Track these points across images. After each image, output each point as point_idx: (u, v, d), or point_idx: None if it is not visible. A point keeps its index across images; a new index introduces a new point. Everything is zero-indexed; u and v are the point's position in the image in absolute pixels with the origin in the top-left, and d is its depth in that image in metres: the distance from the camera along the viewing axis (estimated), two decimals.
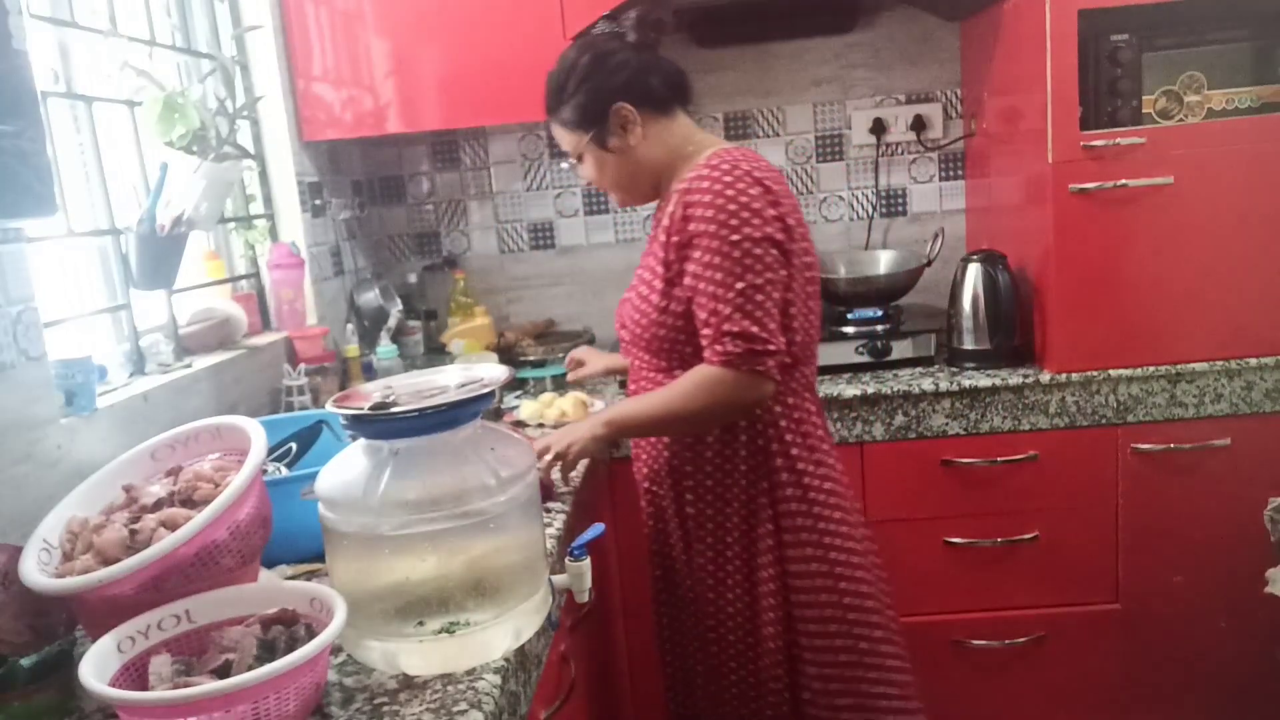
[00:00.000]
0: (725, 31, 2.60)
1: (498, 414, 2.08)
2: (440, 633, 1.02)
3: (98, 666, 0.89)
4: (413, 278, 2.77)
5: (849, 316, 2.36)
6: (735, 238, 1.42)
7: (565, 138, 1.59)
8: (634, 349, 1.62)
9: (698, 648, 1.66)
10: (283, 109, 2.27)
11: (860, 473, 2.19)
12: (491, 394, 1.08)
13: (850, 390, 2.15)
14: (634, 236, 2.82)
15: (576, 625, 1.59)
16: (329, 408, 1.09)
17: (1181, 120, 2.11)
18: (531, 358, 2.49)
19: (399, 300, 2.56)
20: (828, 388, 2.16)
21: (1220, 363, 2.09)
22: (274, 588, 1.08)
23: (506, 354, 2.52)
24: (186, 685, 0.87)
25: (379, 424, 1.05)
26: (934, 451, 2.17)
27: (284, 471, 1.49)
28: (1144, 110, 2.11)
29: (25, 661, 0.97)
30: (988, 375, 2.15)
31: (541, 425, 1.98)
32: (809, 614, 1.55)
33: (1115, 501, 2.16)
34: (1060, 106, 2.03)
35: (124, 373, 1.71)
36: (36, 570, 1.01)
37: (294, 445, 1.56)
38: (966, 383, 2.13)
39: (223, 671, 0.91)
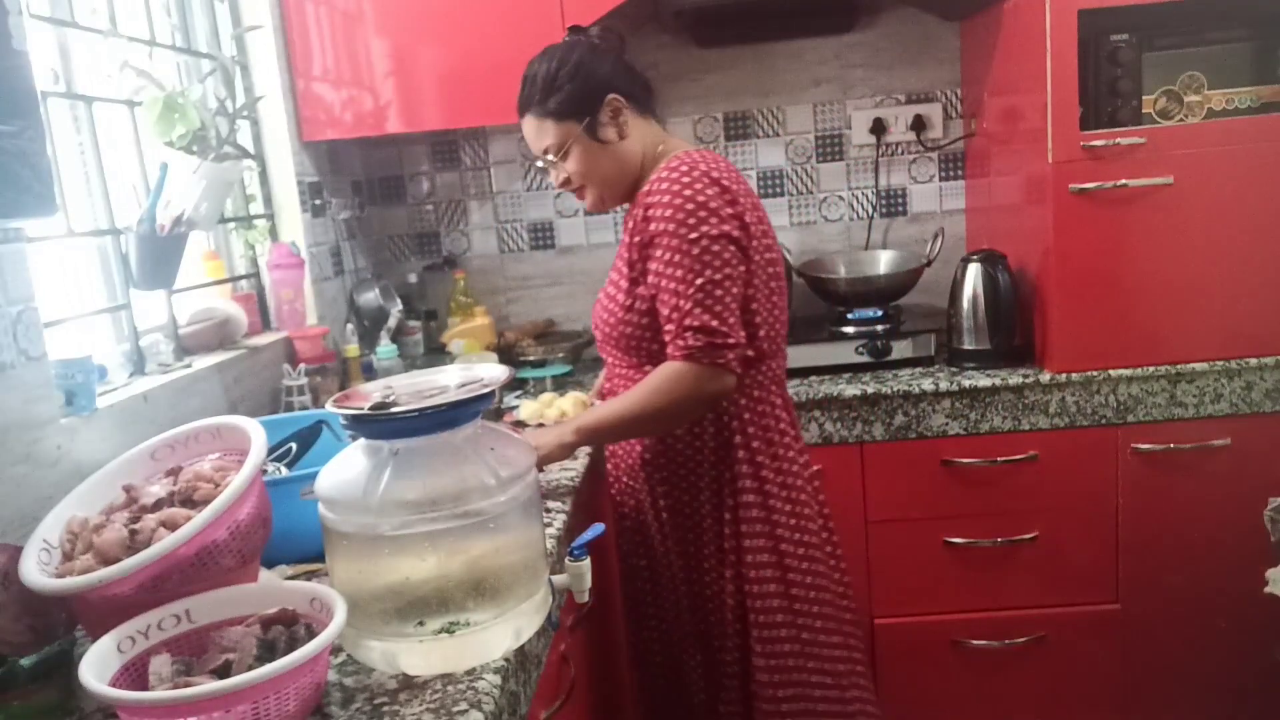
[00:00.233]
0: (725, 31, 2.60)
1: (498, 414, 2.07)
2: (440, 633, 1.02)
3: (98, 666, 0.89)
4: (413, 278, 2.77)
5: (849, 316, 2.37)
6: (694, 236, 1.46)
7: (550, 131, 1.57)
8: (607, 347, 1.67)
9: (672, 633, 1.71)
10: (282, 109, 2.27)
11: (860, 473, 2.19)
12: (491, 394, 1.08)
13: (850, 390, 2.15)
14: None
15: (576, 625, 1.58)
16: (329, 408, 1.09)
17: (1181, 120, 2.11)
18: (531, 358, 2.49)
19: (399, 300, 2.56)
20: (828, 387, 2.17)
21: (1220, 363, 2.09)
22: (274, 588, 1.08)
23: (506, 354, 2.52)
24: (186, 685, 0.87)
25: (379, 424, 1.05)
26: (934, 451, 2.17)
27: (284, 471, 1.49)
28: (1144, 110, 2.11)
29: (25, 661, 0.96)
30: (988, 375, 2.15)
31: (541, 425, 1.97)
32: (759, 604, 1.60)
33: (1115, 501, 2.16)
34: (1060, 106, 2.03)
35: (124, 373, 1.71)
36: (36, 570, 1.01)
37: (294, 445, 1.56)
38: (966, 383, 2.13)
39: (223, 671, 0.91)
